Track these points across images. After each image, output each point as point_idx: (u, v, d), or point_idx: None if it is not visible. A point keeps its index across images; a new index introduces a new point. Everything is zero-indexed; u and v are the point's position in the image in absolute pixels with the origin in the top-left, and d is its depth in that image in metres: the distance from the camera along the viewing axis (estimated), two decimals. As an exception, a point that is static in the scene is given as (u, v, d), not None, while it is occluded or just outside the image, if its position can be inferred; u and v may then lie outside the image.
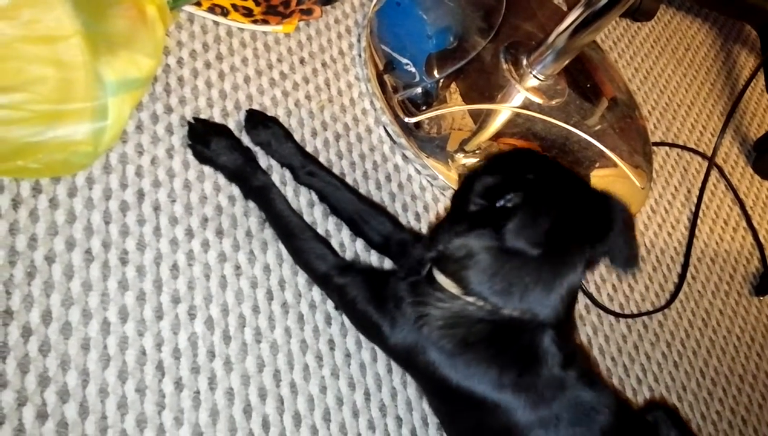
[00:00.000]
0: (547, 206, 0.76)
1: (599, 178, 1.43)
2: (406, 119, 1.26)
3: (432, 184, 1.25)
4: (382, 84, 1.29)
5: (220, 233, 1.01)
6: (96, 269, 0.90)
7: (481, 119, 1.36)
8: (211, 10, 1.18)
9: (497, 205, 0.77)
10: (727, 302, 1.51)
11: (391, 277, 0.93)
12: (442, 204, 1.25)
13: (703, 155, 1.69)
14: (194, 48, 1.14)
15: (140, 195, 0.98)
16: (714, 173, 1.69)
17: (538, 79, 1.40)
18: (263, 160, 1.09)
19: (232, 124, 1.10)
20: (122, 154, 0.99)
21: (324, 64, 1.27)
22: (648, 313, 1.36)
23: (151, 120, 1.04)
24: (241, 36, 1.20)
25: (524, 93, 1.39)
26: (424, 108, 1.29)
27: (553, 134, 1.39)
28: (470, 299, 0.82)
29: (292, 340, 0.99)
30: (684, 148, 1.68)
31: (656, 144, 1.63)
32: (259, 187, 1.02)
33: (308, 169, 1.09)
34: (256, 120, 1.10)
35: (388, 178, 1.22)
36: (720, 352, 1.43)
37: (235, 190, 1.05)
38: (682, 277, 1.46)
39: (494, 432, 0.86)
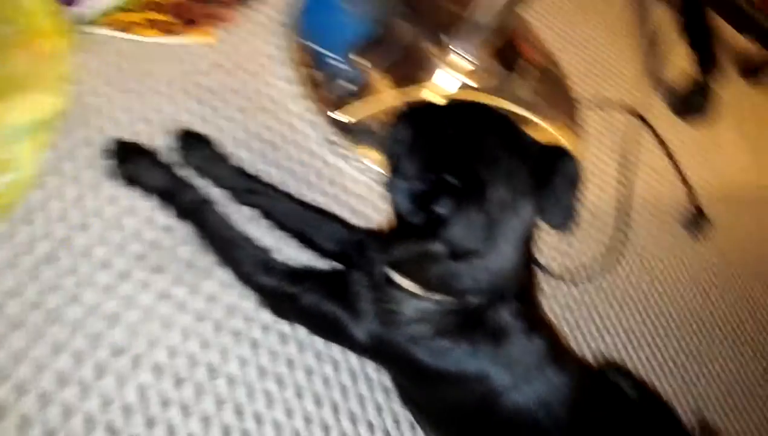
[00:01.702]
0: (479, 203, 0.66)
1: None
2: (343, 118, 1.09)
3: (378, 184, 1.09)
4: (314, 85, 1.12)
5: (157, 269, 0.84)
6: (20, 337, 0.72)
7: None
8: (121, 27, 0.98)
9: (432, 214, 0.65)
10: (668, 248, 1.40)
11: (348, 276, 0.81)
12: (378, 195, 1.09)
13: (628, 109, 1.55)
14: (108, 73, 0.95)
15: (64, 242, 0.80)
16: (638, 123, 1.56)
17: (465, 59, 1.23)
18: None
19: (161, 147, 0.92)
20: (41, 200, 0.81)
21: (252, 73, 1.09)
22: (596, 274, 1.25)
23: (68, 158, 0.85)
24: (161, 51, 1.01)
25: (453, 74, 1.23)
26: (357, 102, 1.12)
27: (488, 113, 1.23)
28: (435, 296, 0.73)
29: (249, 369, 0.83)
30: (610, 105, 1.54)
31: (583, 105, 1.49)
32: (190, 202, 0.85)
33: (248, 187, 0.92)
34: (188, 142, 0.92)
35: (333, 183, 1.05)
36: (668, 299, 1.32)
37: (171, 220, 0.87)
38: (622, 231, 1.34)
39: (474, 403, 0.77)
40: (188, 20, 1.02)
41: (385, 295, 0.75)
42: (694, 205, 1.50)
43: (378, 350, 0.78)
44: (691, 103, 1.63)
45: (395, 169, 0.70)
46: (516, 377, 0.72)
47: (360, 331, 0.77)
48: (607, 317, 1.21)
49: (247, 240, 0.85)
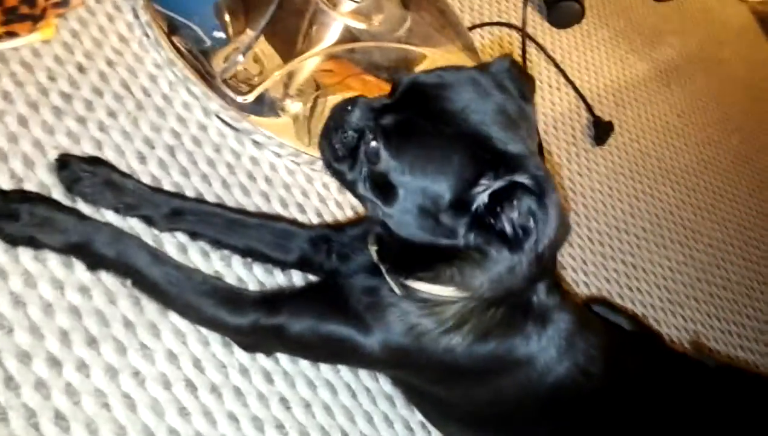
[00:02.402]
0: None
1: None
2: (240, 99, 1.02)
3: (299, 164, 1.06)
4: (189, 63, 1.03)
5: (92, 342, 0.74)
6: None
7: (297, 58, 1.16)
8: (-75, 40, 0.81)
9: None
10: (579, 162, 1.56)
11: (336, 286, 0.79)
12: (319, 182, 1.06)
13: (512, 26, 1.66)
14: (-74, 104, 0.79)
15: (-42, 346, 0.67)
16: (523, 38, 1.67)
17: (352, 0, 1.22)
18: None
19: (33, 189, 0.80)
20: None
21: (110, 63, 0.97)
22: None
23: None
24: (-16, 62, 0.86)
25: (343, 20, 1.21)
26: (240, 69, 1.05)
27: (393, 60, 1.24)
28: (473, 295, 0.72)
29: (242, 423, 0.79)
30: (494, 24, 1.63)
31: (469, 28, 1.56)
32: (108, 248, 0.75)
33: (167, 210, 0.84)
34: (74, 172, 0.81)
35: (251, 177, 1.00)
36: (593, 212, 1.48)
37: (82, 274, 0.77)
38: (540, 154, 1.46)
39: (517, 389, 0.80)
40: (29, 16, 0.87)
41: (393, 304, 0.75)
42: (592, 115, 1.67)
43: (397, 361, 0.78)
44: (563, 10, 1.78)
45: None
46: (559, 352, 0.77)
47: (372, 344, 0.76)
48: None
49: (194, 275, 0.79)
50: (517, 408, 0.82)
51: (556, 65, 1.70)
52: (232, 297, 0.79)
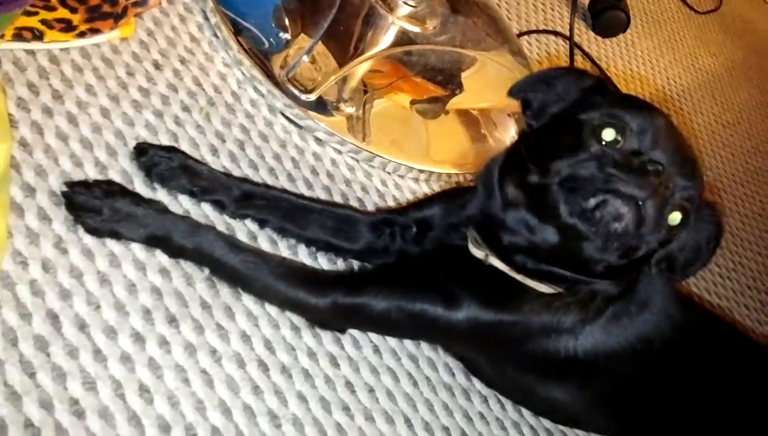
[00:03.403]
0: None
1: (480, 82, 1.36)
2: (304, 97, 1.06)
3: (358, 160, 1.09)
4: (256, 63, 1.07)
5: (172, 320, 0.78)
6: (49, 443, 0.65)
7: (350, 62, 1.20)
8: (19, 37, 0.86)
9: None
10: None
11: (416, 265, 0.84)
12: (377, 178, 1.10)
13: (560, 34, 1.68)
14: (20, 95, 0.84)
15: (53, 318, 0.71)
16: (569, 46, 1.69)
17: (409, 5, 1.26)
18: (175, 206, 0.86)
19: (116, 177, 0.84)
20: (1, 275, 0.71)
21: (183, 60, 1.02)
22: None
23: (14, 214, 0.75)
24: (70, 59, 0.91)
25: (399, 23, 1.25)
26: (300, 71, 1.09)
27: (447, 62, 1.28)
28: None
29: (312, 404, 0.82)
30: (542, 31, 1.66)
31: (518, 35, 1.59)
32: (186, 240, 0.79)
33: (238, 193, 0.88)
34: (153, 157, 0.85)
35: (314, 172, 1.03)
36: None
37: (162, 257, 0.81)
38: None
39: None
40: (110, 14, 0.93)
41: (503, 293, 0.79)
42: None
43: (483, 340, 0.83)
44: (609, 19, 1.80)
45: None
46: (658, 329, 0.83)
47: (459, 317, 0.79)
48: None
49: (270, 258, 0.82)
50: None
51: (602, 72, 1.72)
52: (310, 278, 0.83)
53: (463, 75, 1.36)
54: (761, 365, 0.93)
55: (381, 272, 0.87)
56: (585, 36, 1.81)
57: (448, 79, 1.30)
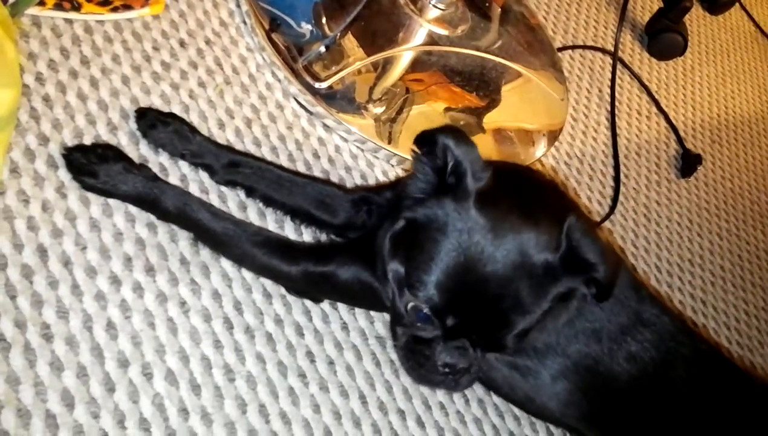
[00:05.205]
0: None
1: (516, 97, 1.38)
2: (317, 85, 1.13)
3: (363, 150, 1.15)
4: (279, 50, 1.15)
5: (150, 270, 0.86)
6: (17, 356, 0.74)
7: (383, 62, 1.25)
8: (59, 6, 0.97)
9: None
10: (660, 191, 1.53)
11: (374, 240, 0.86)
12: (378, 169, 1.15)
13: (605, 51, 1.67)
14: (52, 57, 0.94)
15: (41, 252, 0.80)
16: (617, 65, 1.68)
17: (438, 8, 1.30)
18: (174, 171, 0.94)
19: (124, 138, 0.93)
20: (4, 208, 0.81)
21: (208, 42, 1.11)
22: (597, 224, 1.36)
23: (25, 158, 0.85)
24: (103, 30, 1.01)
25: (427, 26, 1.29)
26: (326, 63, 1.16)
27: (469, 65, 1.31)
28: None
29: (268, 366, 0.87)
30: (586, 47, 1.65)
31: (560, 49, 1.59)
32: (173, 205, 0.87)
33: (226, 160, 0.95)
34: (151, 120, 0.94)
35: (316, 155, 1.09)
36: (667, 242, 1.45)
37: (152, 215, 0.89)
38: (617, 180, 1.46)
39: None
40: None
41: None
42: (682, 147, 1.64)
43: None
44: (665, 41, 1.77)
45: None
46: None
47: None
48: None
49: (248, 227, 0.89)
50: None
51: (649, 93, 1.69)
52: (285, 247, 0.89)
53: (504, 89, 1.38)
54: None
55: (349, 245, 0.91)
56: (638, 56, 1.78)
57: (483, 86, 1.32)
